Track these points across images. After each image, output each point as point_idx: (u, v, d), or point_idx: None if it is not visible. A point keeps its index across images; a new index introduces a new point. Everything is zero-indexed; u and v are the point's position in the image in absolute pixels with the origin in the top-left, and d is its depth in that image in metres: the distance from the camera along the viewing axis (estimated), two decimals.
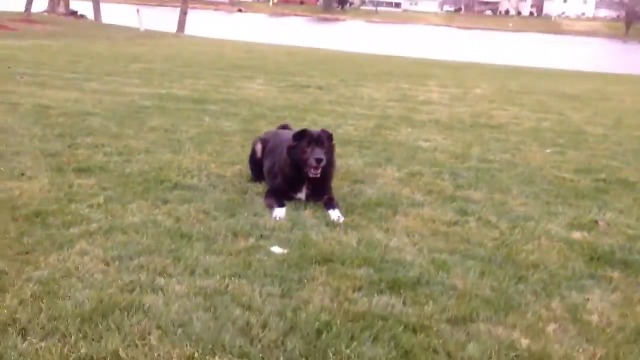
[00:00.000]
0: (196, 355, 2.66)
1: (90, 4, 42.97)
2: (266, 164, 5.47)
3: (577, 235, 4.64)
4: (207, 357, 2.66)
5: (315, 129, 5.19)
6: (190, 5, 43.85)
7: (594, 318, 3.31)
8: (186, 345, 2.72)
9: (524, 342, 3.00)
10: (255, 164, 5.69)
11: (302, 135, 4.97)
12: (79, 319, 2.83)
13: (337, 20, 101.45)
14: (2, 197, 4.61)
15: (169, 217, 4.46)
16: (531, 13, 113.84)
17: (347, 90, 13.36)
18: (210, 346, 2.73)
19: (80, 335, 2.72)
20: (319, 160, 4.78)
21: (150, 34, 31.46)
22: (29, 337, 2.69)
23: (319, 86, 13.67)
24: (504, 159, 7.22)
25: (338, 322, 3.01)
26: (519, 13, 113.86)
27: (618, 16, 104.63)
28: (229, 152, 6.67)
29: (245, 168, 5.89)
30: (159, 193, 5.01)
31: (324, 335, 2.88)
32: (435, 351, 2.84)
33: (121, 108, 9.05)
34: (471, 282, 3.64)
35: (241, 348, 2.74)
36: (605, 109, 12.86)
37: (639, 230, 4.85)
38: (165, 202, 4.81)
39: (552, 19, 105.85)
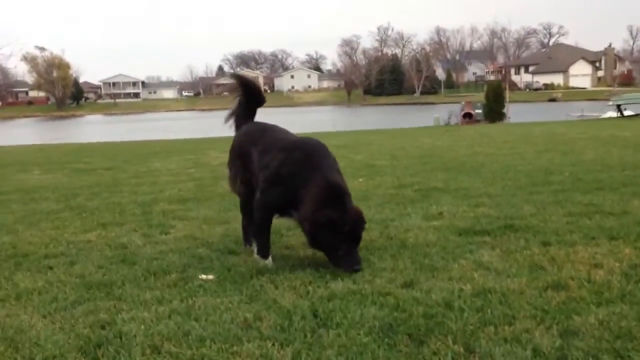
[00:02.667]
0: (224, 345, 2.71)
1: None
2: (262, 165, 4.38)
3: (435, 222, 5.43)
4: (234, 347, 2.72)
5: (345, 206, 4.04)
6: None
7: (497, 265, 4.01)
8: (203, 344, 2.74)
9: (466, 287, 3.55)
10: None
11: (338, 224, 3.92)
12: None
13: (73, 116, 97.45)
14: None
15: (69, 276, 4.19)
16: (265, 90, 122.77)
17: (138, 167, 13.20)
18: (230, 340, 2.78)
19: None
20: (356, 271, 3.93)
21: None
22: None
23: (105, 168, 13.28)
24: None
25: (320, 304, 3.26)
26: None
27: (339, 85, 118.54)
28: (70, 226, 6.28)
29: (105, 231, 5.71)
30: (34, 264, 4.63)
31: (320, 311, 3.11)
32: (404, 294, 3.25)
33: None
34: (395, 263, 4.12)
35: (256, 335, 2.84)
36: (375, 150, 14.68)
37: (473, 214, 5.83)
38: (50, 268, 4.47)
39: (285, 93, 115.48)
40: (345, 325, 2.93)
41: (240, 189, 4.80)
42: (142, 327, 3.03)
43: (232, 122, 5.07)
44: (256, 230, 4.44)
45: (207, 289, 3.71)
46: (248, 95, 5.04)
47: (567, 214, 5.52)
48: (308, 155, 4.26)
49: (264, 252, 4.33)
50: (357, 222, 4.06)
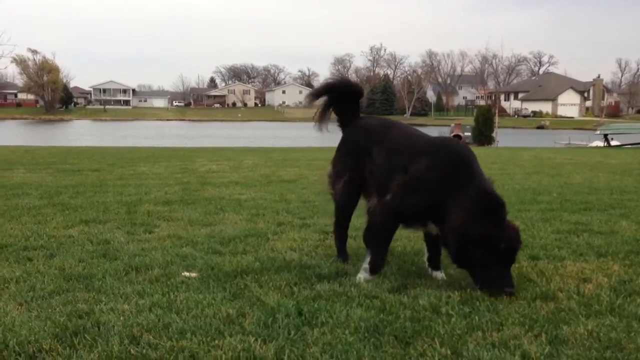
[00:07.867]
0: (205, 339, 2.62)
1: None
2: (380, 169, 3.96)
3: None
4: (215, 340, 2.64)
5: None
6: None
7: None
8: (183, 336, 2.65)
9: (453, 294, 3.50)
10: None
11: (493, 240, 3.43)
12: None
13: (61, 120, 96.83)
14: None
15: (48, 267, 4.10)
16: (256, 104, 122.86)
17: (124, 170, 13.05)
18: (212, 333, 2.70)
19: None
20: (510, 294, 3.44)
21: None
22: None
23: (92, 169, 13.12)
24: (318, 199, 7.90)
25: (305, 303, 3.19)
26: (245, 104, 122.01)
27: None
28: (52, 221, 6.17)
29: (87, 228, 5.61)
30: (12, 254, 4.53)
31: (305, 310, 3.04)
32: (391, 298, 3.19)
33: None
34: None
35: (239, 330, 2.76)
36: None
37: None
38: (29, 259, 4.37)
39: (275, 108, 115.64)
40: (331, 324, 2.87)
41: (341, 189, 4.28)
42: (122, 318, 2.95)
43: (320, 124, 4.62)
44: (375, 238, 3.86)
45: (189, 285, 3.64)
46: (347, 94, 4.55)
47: (555, 231, 5.51)
48: (459, 158, 3.78)
49: (376, 267, 3.80)
50: (513, 240, 3.56)
